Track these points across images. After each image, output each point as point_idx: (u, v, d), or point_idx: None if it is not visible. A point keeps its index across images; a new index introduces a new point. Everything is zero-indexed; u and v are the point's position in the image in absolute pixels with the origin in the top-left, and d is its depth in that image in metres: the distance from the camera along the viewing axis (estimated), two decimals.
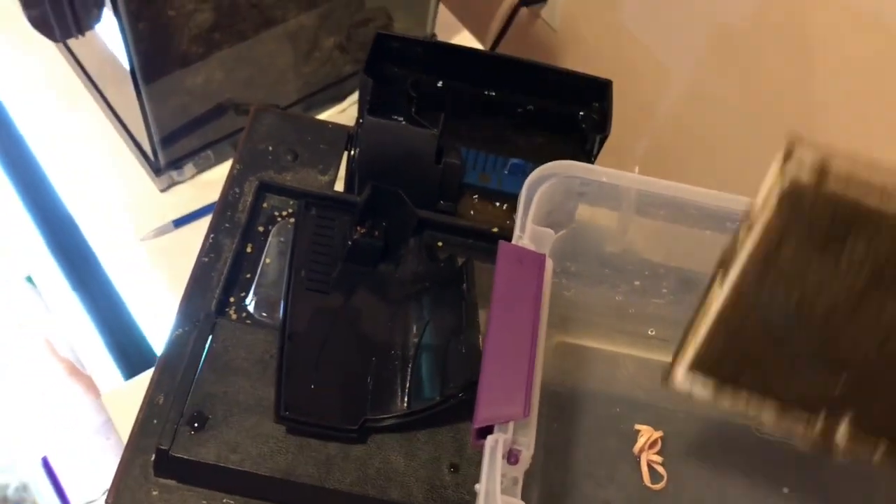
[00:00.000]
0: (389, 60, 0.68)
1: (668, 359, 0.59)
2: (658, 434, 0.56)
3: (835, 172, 0.42)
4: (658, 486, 0.55)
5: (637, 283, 0.58)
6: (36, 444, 0.93)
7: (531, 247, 0.47)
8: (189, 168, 0.83)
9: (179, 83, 0.76)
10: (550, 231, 0.50)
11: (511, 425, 0.41)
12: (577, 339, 0.61)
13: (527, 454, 0.42)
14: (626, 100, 0.91)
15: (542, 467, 0.55)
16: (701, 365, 0.45)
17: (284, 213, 0.64)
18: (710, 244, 0.54)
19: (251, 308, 0.59)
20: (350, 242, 0.59)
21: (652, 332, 0.61)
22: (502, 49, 1.00)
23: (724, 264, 0.44)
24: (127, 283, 0.78)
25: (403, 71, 0.68)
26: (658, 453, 0.56)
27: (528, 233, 0.47)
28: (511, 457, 0.42)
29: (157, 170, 0.81)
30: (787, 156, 0.42)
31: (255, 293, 0.60)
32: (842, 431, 0.43)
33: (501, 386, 0.41)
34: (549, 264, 0.48)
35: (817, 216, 0.42)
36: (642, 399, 0.59)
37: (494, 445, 0.40)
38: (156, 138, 0.78)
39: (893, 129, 0.66)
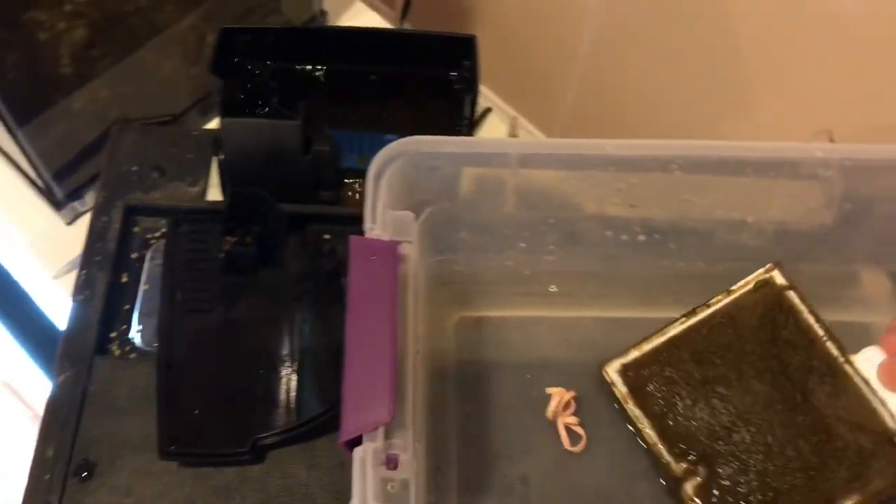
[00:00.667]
0: (243, 54, 0.64)
1: (574, 313, 0.59)
2: (570, 395, 0.54)
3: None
4: (577, 448, 0.53)
5: (522, 245, 0.55)
6: None
7: (386, 236, 0.44)
8: (91, 195, 0.78)
9: (61, 112, 0.71)
10: (410, 214, 0.47)
11: (381, 431, 0.39)
12: (479, 312, 0.58)
13: (406, 456, 0.40)
14: (549, 48, 0.88)
15: (458, 456, 0.53)
16: (632, 368, 0.55)
17: (158, 235, 0.61)
18: (583, 190, 0.52)
19: (137, 341, 0.56)
20: (223, 254, 0.56)
21: (553, 288, 0.59)
22: (415, 21, 0.96)
23: (694, 312, 0.56)
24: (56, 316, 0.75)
25: (259, 62, 0.64)
26: (574, 414, 0.54)
27: (380, 222, 0.44)
28: (390, 462, 0.39)
29: (56, 204, 0.77)
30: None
31: (139, 323, 0.57)
32: (689, 486, 0.51)
33: (364, 392, 0.39)
34: (409, 250, 0.45)
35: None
36: (553, 360, 0.57)
37: (364, 457, 0.38)
38: (46, 175, 0.73)
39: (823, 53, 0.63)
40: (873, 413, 0.52)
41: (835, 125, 0.61)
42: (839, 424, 0.52)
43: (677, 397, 0.53)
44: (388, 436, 0.39)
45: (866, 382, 0.53)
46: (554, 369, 0.56)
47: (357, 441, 0.39)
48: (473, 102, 0.62)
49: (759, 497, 0.50)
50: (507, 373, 0.56)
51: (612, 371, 0.55)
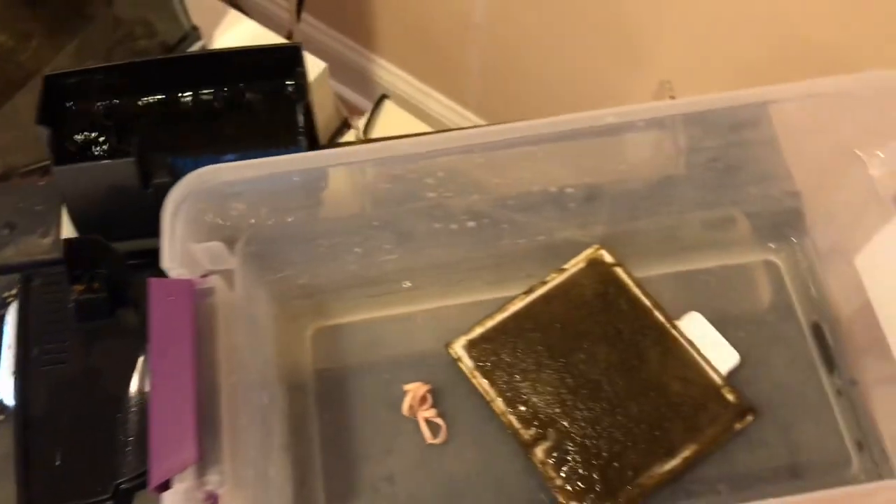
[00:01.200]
0: (73, 97, 0.64)
1: (431, 305, 0.60)
2: (425, 388, 0.56)
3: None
4: (439, 440, 0.55)
5: (357, 249, 0.56)
6: None
7: (186, 274, 0.45)
8: None
9: None
10: (219, 245, 0.48)
11: (191, 471, 0.40)
12: (334, 320, 0.59)
13: (226, 490, 0.41)
14: (446, 19, 0.87)
15: (322, 465, 0.54)
16: (477, 344, 0.57)
17: (14, 292, 0.61)
18: (396, 189, 0.53)
19: (7, 402, 0.57)
20: (73, 304, 0.57)
21: (407, 283, 0.60)
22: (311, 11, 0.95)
23: (532, 289, 0.58)
24: None
25: (90, 103, 0.64)
26: (433, 406, 0.56)
27: (177, 260, 0.45)
28: (209, 499, 0.41)
29: None
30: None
31: (5, 385, 0.58)
32: (540, 451, 0.53)
33: (167, 435, 0.40)
34: (218, 282, 0.46)
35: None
36: (410, 355, 0.58)
37: (174, 499, 0.39)
38: None
39: None
40: (700, 370, 0.55)
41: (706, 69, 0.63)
42: (673, 381, 0.54)
43: (522, 368, 0.55)
44: (202, 473, 0.41)
45: (691, 343, 0.55)
46: (413, 364, 0.58)
47: (167, 485, 0.40)
48: (308, 110, 0.63)
49: (606, 454, 0.52)
50: (364, 376, 0.57)
51: (458, 348, 0.56)
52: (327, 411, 0.56)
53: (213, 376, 0.43)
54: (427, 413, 0.55)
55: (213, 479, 0.41)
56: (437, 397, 0.56)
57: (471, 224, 0.56)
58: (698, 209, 0.59)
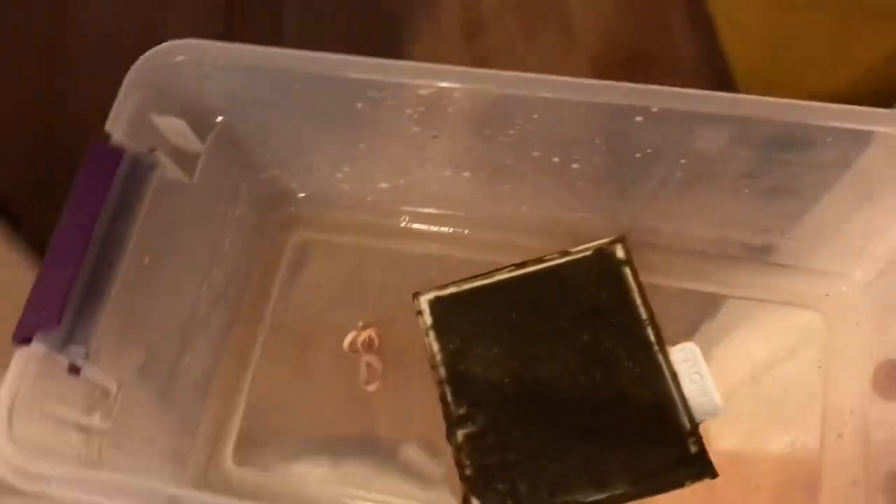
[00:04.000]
0: None
1: (419, 250, 0.56)
2: (371, 331, 0.53)
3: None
4: (371, 388, 0.51)
5: (346, 168, 0.52)
6: None
7: (128, 143, 0.43)
8: None
9: None
10: (180, 122, 0.46)
11: (55, 335, 0.39)
12: (313, 238, 0.57)
13: (86, 364, 0.40)
14: None
15: (247, 394, 0.52)
16: (444, 303, 0.51)
17: None
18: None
19: None
20: None
21: (406, 221, 0.56)
22: None
23: (524, 264, 0.52)
24: None
25: None
26: (377, 352, 0.52)
27: (123, 126, 0.43)
28: (72, 369, 0.40)
29: None
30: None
31: None
32: (461, 433, 0.48)
33: (42, 294, 0.39)
34: (159, 160, 0.44)
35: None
36: (374, 295, 0.54)
37: (28, 356, 0.39)
38: None
39: None
40: (670, 407, 0.47)
41: None
42: (632, 409, 0.47)
43: (478, 343, 0.50)
44: (66, 342, 0.40)
45: (674, 376, 0.47)
46: (377, 303, 0.54)
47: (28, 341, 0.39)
48: None
49: (526, 462, 0.47)
50: (324, 303, 0.54)
51: (424, 301, 0.52)
52: (273, 335, 0.54)
53: (118, 254, 0.42)
54: (369, 358, 0.52)
55: (75, 350, 0.40)
56: (387, 344, 0.52)
57: (466, 174, 0.50)
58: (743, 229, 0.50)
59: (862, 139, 0.41)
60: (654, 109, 0.41)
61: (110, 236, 0.42)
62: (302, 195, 0.56)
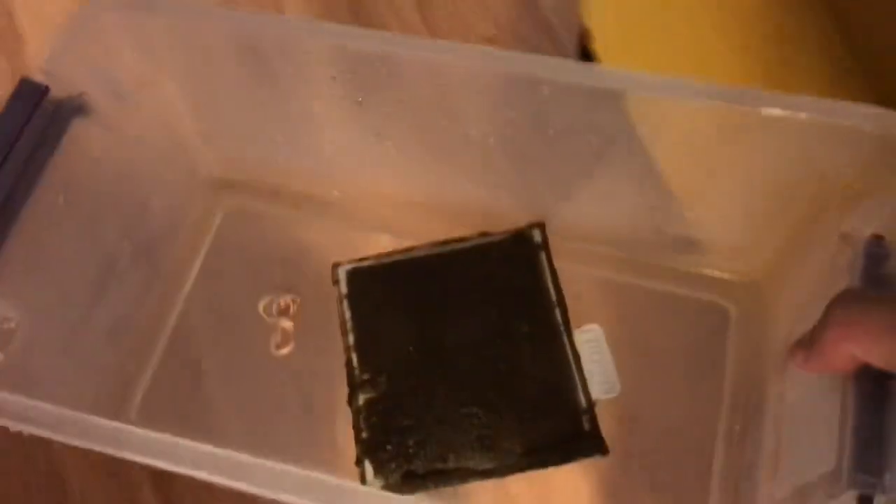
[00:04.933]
0: None
1: (346, 222, 0.57)
2: (289, 298, 0.53)
3: None
4: (283, 351, 0.52)
5: (279, 137, 0.53)
6: None
7: (57, 84, 0.44)
8: None
9: None
10: (119, 73, 0.47)
11: None
12: (247, 206, 0.58)
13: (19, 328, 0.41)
14: None
15: (165, 346, 0.53)
16: (361, 274, 0.53)
17: None
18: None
19: None
20: None
21: (336, 193, 0.57)
22: None
23: (446, 242, 0.53)
24: None
25: None
26: (292, 319, 0.53)
27: (58, 64, 0.44)
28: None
29: None
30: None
31: None
32: (363, 397, 0.49)
33: None
34: (88, 105, 0.45)
35: None
36: (297, 262, 0.55)
37: None
38: None
39: None
40: (568, 385, 0.48)
41: None
42: (531, 383, 0.48)
43: (390, 313, 0.51)
44: None
45: (576, 356, 0.49)
46: (300, 270, 0.55)
47: None
48: None
49: (422, 428, 0.47)
50: (248, 268, 0.55)
51: (343, 271, 0.53)
52: (192, 295, 0.54)
53: (28, 187, 0.43)
54: (283, 323, 0.52)
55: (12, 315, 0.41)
56: (305, 311, 0.53)
57: (389, 145, 0.51)
58: (656, 215, 0.51)
59: None
60: (561, 82, 0.42)
61: (24, 169, 0.43)
62: (233, 162, 0.57)
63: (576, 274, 0.52)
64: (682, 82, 0.41)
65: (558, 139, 0.47)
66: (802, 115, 0.40)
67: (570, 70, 0.42)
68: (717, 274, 0.52)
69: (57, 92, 0.44)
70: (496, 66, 0.43)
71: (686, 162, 0.47)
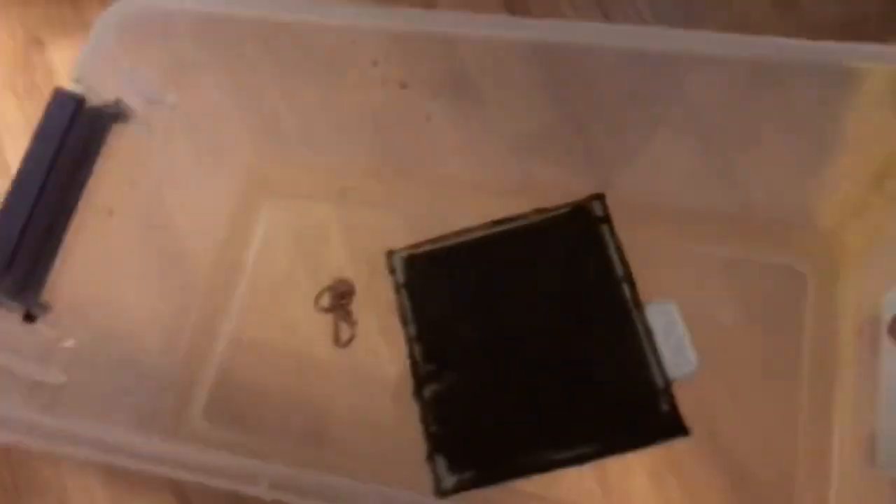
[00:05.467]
0: None
1: (395, 205, 0.55)
2: (349, 286, 0.52)
3: None
4: (342, 344, 0.51)
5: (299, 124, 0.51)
6: None
7: (88, 93, 0.42)
8: None
9: None
10: (153, 77, 0.45)
11: (6, 282, 0.39)
12: (287, 202, 0.56)
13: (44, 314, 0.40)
14: None
15: (224, 351, 0.52)
16: (418, 261, 0.50)
17: None
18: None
19: None
20: None
21: (375, 180, 0.55)
22: None
23: (501, 222, 0.50)
24: None
25: None
26: (349, 309, 0.51)
27: (88, 72, 0.42)
28: (27, 318, 0.40)
29: None
30: None
31: None
32: (429, 390, 0.47)
33: None
34: (122, 111, 0.44)
35: None
36: (348, 250, 0.53)
37: None
38: None
39: None
40: (644, 366, 0.46)
41: None
42: (606, 368, 0.46)
43: (451, 300, 0.49)
44: (21, 289, 0.40)
45: (648, 333, 0.46)
46: (351, 259, 0.53)
47: None
48: None
49: (495, 420, 0.46)
50: (297, 260, 0.54)
51: (398, 258, 0.51)
52: (247, 293, 0.53)
53: (74, 202, 0.41)
54: (340, 315, 0.51)
55: (28, 297, 0.40)
56: (361, 301, 0.51)
57: (438, 125, 0.49)
58: (721, 182, 0.48)
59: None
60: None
61: (68, 185, 0.42)
62: (274, 157, 0.55)
63: (642, 246, 0.49)
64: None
65: (613, 106, 0.44)
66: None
67: (621, 34, 0.39)
68: (791, 236, 0.49)
69: (92, 100, 0.43)
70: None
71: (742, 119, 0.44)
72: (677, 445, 0.45)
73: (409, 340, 0.48)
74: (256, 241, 0.55)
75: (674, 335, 0.47)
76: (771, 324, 0.48)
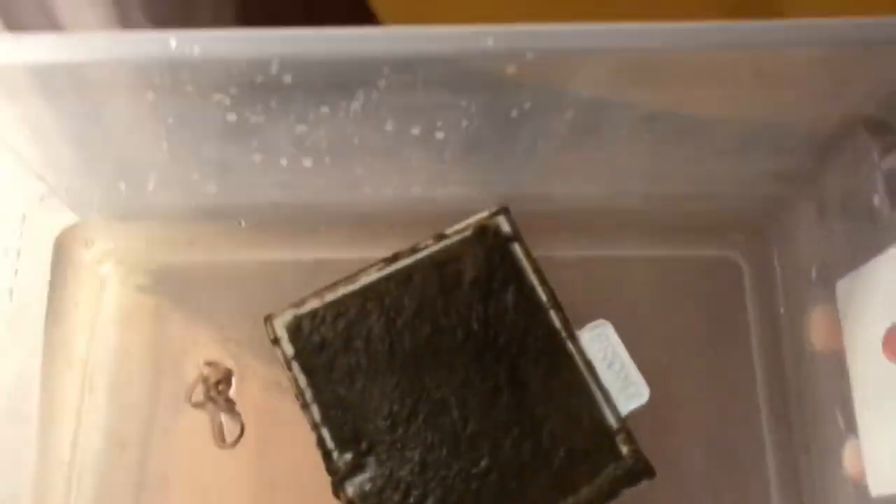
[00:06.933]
0: None
1: (262, 257, 0.46)
2: (226, 371, 0.42)
3: None
4: (229, 443, 0.41)
5: (153, 174, 0.41)
6: None
7: None
8: None
9: None
10: None
11: None
12: (144, 264, 0.45)
13: None
14: None
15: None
16: (306, 323, 0.42)
17: None
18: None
19: None
20: None
21: (242, 222, 0.45)
22: None
23: (396, 257, 0.43)
24: None
25: None
26: (230, 399, 0.42)
27: None
28: None
29: None
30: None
31: None
32: (351, 487, 0.39)
33: None
34: None
35: None
36: (216, 323, 0.44)
37: None
38: None
39: None
40: (591, 404, 0.40)
41: None
42: (550, 417, 0.39)
43: (354, 367, 0.41)
44: None
45: (588, 365, 0.40)
46: (221, 334, 0.44)
47: None
48: None
49: None
50: (157, 339, 0.44)
51: (280, 324, 0.42)
52: (103, 390, 0.43)
53: None
54: (221, 409, 0.42)
55: None
56: (240, 384, 0.42)
57: (306, 162, 0.40)
58: (643, 179, 0.43)
59: None
60: (530, 55, 0.32)
61: None
62: (105, 211, 0.44)
63: (559, 262, 0.43)
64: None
65: (523, 119, 0.37)
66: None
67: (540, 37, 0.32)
68: (720, 224, 0.44)
69: None
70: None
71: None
72: (643, 488, 0.40)
73: (315, 427, 0.40)
74: (99, 318, 0.44)
75: (616, 361, 0.41)
76: (716, 323, 0.43)
